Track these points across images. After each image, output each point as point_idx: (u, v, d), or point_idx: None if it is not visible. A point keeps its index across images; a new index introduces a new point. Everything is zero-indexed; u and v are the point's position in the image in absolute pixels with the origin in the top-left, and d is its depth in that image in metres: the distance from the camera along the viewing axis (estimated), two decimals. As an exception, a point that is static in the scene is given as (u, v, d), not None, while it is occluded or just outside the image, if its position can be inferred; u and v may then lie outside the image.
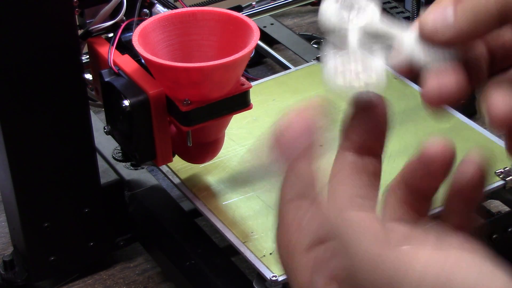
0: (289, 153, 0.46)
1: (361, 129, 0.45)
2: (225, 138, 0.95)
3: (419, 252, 0.39)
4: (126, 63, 0.90)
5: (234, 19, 0.88)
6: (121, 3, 0.94)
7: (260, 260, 0.87)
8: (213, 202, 0.95)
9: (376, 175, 0.45)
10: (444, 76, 0.45)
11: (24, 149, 0.89)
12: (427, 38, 0.45)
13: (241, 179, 0.98)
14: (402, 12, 1.37)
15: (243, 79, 0.88)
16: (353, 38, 0.46)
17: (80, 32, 0.92)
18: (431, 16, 0.45)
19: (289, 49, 1.32)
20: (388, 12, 1.37)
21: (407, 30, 0.46)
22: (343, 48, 0.45)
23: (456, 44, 0.45)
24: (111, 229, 1.01)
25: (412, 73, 0.47)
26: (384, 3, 1.38)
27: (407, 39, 0.46)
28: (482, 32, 0.45)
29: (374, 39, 0.46)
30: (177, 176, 0.99)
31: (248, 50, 0.83)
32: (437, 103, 0.44)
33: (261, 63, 1.36)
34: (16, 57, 0.85)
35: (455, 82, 0.45)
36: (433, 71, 0.45)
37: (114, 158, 1.07)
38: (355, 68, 0.45)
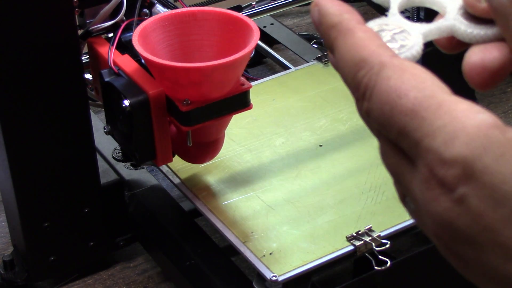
0: None
1: None
2: (225, 138, 0.95)
3: None
4: (126, 63, 0.90)
5: (234, 19, 0.88)
6: (121, 3, 0.94)
7: (260, 260, 0.87)
8: (213, 202, 0.95)
9: None
10: (488, 50, 0.42)
11: (24, 149, 0.89)
12: (468, 5, 0.43)
13: (241, 179, 0.98)
14: (402, 12, 1.37)
15: (243, 79, 0.88)
16: (395, 3, 0.46)
17: (80, 32, 0.92)
18: None
19: (289, 49, 1.32)
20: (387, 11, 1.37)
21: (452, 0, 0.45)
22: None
23: (498, 16, 0.42)
24: (111, 229, 1.01)
25: (451, 45, 0.45)
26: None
27: (450, 8, 0.44)
28: None
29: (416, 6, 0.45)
30: (177, 176, 0.99)
31: (248, 50, 0.83)
32: (479, 77, 0.42)
33: (261, 63, 1.36)
34: (16, 57, 0.85)
35: (499, 55, 0.42)
36: (476, 45, 0.43)
37: (114, 158, 1.07)
38: (392, 30, 0.44)
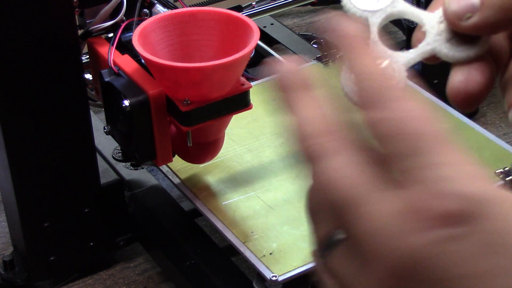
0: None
1: None
2: (225, 138, 0.95)
3: None
4: (126, 63, 0.90)
5: (234, 19, 0.88)
6: (121, 3, 0.94)
7: (260, 260, 0.87)
8: (213, 202, 0.95)
9: None
10: (471, 74, 0.43)
11: (24, 149, 0.89)
12: (451, 23, 0.43)
13: (241, 179, 0.98)
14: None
15: (243, 79, 0.88)
16: (374, 27, 0.45)
17: (80, 32, 0.92)
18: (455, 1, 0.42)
19: (289, 49, 1.32)
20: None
21: (431, 14, 0.45)
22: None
23: (481, 33, 0.42)
24: (111, 229, 1.01)
25: (434, 60, 0.45)
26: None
27: (429, 25, 0.44)
28: (509, 23, 0.42)
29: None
30: (177, 176, 0.99)
31: (248, 50, 0.83)
32: (464, 102, 0.43)
33: (261, 63, 1.36)
34: (16, 57, 0.85)
35: (481, 79, 0.42)
36: (459, 65, 0.43)
37: (114, 158, 1.07)
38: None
